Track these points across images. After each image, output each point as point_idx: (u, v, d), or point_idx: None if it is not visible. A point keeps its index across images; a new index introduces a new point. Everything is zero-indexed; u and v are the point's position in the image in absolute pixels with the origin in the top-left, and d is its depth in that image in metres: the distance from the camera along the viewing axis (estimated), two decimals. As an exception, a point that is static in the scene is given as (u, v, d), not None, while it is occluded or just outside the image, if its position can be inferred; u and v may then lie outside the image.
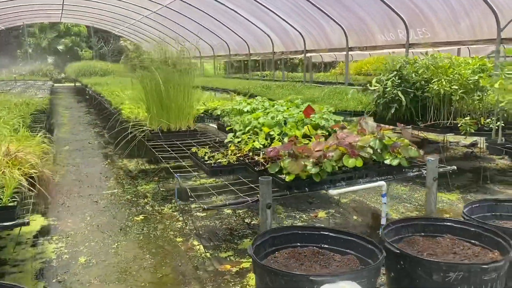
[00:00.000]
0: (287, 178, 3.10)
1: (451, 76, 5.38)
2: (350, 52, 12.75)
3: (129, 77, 8.93)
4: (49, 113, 8.61)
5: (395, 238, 2.83)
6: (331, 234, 2.70)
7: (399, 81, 5.75)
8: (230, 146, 3.96)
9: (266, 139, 3.80)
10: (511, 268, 2.45)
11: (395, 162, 3.43)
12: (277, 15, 13.57)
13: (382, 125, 3.78)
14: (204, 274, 3.27)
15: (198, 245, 3.77)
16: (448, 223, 2.85)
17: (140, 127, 5.21)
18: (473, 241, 2.74)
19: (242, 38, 17.65)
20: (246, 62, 22.69)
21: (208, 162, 3.60)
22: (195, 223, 4.26)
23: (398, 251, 2.39)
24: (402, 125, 3.79)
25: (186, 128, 5.09)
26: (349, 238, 2.64)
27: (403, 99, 5.50)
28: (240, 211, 4.53)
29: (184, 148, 4.44)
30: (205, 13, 16.20)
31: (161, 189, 5.28)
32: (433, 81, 5.44)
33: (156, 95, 4.79)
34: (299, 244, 2.71)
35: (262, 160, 3.52)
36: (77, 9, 23.39)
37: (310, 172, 3.15)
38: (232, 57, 20.04)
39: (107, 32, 30.79)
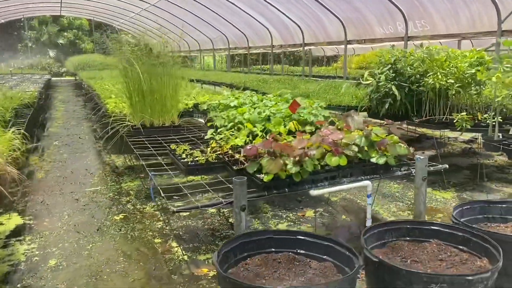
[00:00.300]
0: (265, 178, 2.91)
1: (447, 69, 5.16)
2: (350, 46, 12.53)
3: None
4: (38, 107, 8.43)
5: (378, 243, 2.65)
6: (308, 239, 2.52)
7: (394, 74, 5.54)
8: (212, 143, 3.78)
9: (248, 136, 3.61)
10: (500, 277, 2.27)
11: (381, 161, 3.24)
12: (275, 8, 13.34)
13: (371, 119, 3.58)
14: (178, 278, 3.10)
15: (176, 247, 3.60)
16: (435, 227, 2.66)
17: (123, 122, 5.03)
18: (461, 247, 2.56)
19: (241, 31, 17.43)
20: (247, 55, 22.47)
21: (185, 160, 3.41)
22: (176, 223, 4.09)
23: (376, 260, 2.20)
24: (390, 121, 3.58)
25: (170, 123, 4.90)
26: (327, 243, 2.46)
27: (397, 94, 5.29)
28: (225, 211, 4.35)
29: (166, 145, 4.26)
30: (204, 5, 15.99)
31: (146, 186, 5.11)
32: (428, 74, 5.22)
33: (138, 89, 4.60)
34: (273, 249, 2.53)
35: (242, 159, 3.33)
36: (76, 2, 23.22)
37: (290, 171, 2.96)
38: (232, 51, 19.81)
39: (109, 25, 30.62)
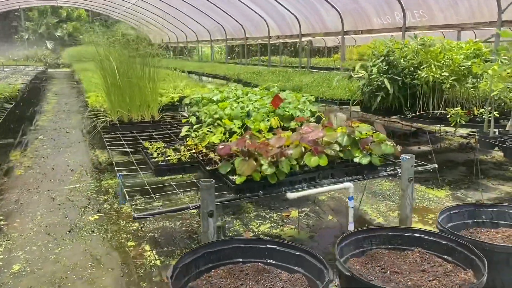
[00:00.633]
0: (237, 180, 2.70)
1: (442, 61, 4.92)
2: (350, 36, 12.25)
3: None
4: (22, 101, 8.22)
5: (356, 251, 2.44)
6: (278, 248, 2.32)
7: (387, 67, 5.29)
8: (188, 140, 3.56)
9: (225, 133, 3.40)
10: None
11: (365, 161, 3.02)
12: (272, -2, 13.04)
13: (361, 112, 3.36)
14: (147, 285, 2.91)
15: (149, 250, 3.41)
16: (418, 235, 2.45)
17: (103, 117, 4.82)
18: (445, 257, 2.35)
19: (238, 22, 17.12)
20: (248, 46, 22.16)
21: (156, 159, 3.20)
22: (153, 224, 3.89)
23: (348, 274, 1.99)
24: (376, 117, 3.36)
25: (150, 118, 4.68)
26: (299, 253, 2.25)
27: (390, 87, 5.05)
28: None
29: (142, 142, 4.04)
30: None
31: (127, 184, 4.90)
32: (422, 67, 4.98)
33: (116, 82, 4.37)
34: (241, 259, 2.33)
35: (217, 158, 3.12)
36: (72, -8, 22.91)
37: (265, 172, 2.75)
38: (229, 42, 19.51)
39: (107, 16, 30.28)
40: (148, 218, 3.97)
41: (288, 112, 4.24)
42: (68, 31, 33.91)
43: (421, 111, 5.28)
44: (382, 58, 5.36)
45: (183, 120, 4.48)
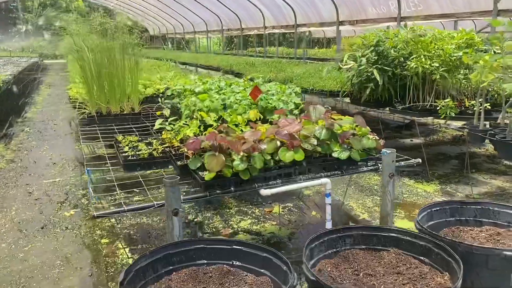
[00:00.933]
0: (206, 176, 2.57)
1: (433, 51, 4.76)
2: (351, 28, 12.05)
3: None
4: (7, 92, 8.07)
5: (329, 252, 2.31)
6: (244, 249, 2.19)
7: (376, 57, 5.13)
8: (164, 133, 3.42)
9: (200, 126, 3.26)
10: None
11: (343, 156, 2.88)
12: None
13: (352, 105, 3.21)
14: (116, 286, 2.79)
15: (122, 248, 3.28)
16: (394, 234, 2.32)
17: (82, 109, 4.68)
18: (422, 258, 2.22)
19: (234, 13, 16.92)
20: (247, 37, 21.94)
21: (126, 153, 3.07)
22: (130, 220, 3.77)
23: (314, 279, 1.87)
24: (368, 109, 3.21)
25: (130, 111, 4.54)
26: (265, 255, 2.12)
27: (379, 78, 4.89)
28: (186, 206, 4.02)
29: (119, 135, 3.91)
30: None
31: (108, 178, 4.77)
32: (412, 57, 4.81)
33: (94, 73, 4.22)
34: (205, 261, 2.20)
35: (190, 153, 2.98)
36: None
37: (237, 168, 2.61)
38: (225, 32, 19.30)
39: (104, 7, 30.03)
40: (125, 214, 3.84)
41: (271, 104, 4.09)
42: (68, 22, 33.67)
43: (412, 103, 5.13)
44: (372, 48, 5.20)
45: (165, 113, 4.34)
